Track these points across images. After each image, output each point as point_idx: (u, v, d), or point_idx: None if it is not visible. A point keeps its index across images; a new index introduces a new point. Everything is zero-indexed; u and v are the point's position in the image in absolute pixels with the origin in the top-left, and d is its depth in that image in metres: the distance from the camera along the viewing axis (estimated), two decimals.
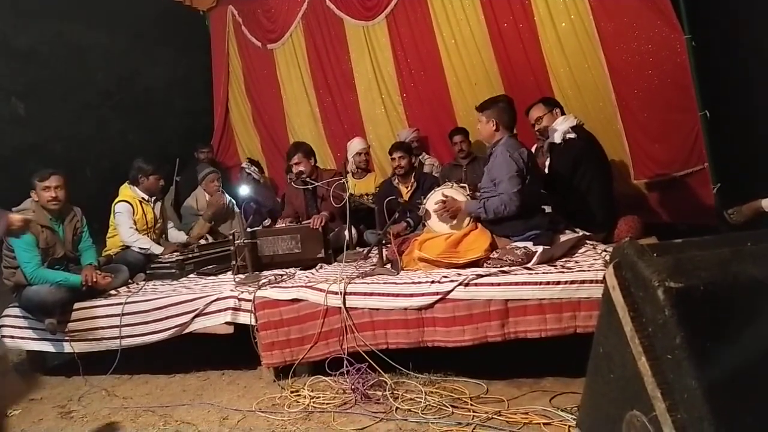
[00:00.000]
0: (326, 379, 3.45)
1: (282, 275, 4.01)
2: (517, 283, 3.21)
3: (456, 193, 3.97)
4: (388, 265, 3.83)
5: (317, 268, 4.20)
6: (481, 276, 3.28)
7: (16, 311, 4.23)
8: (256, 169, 6.67)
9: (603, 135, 4.94)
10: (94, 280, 4.08)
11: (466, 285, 3.25)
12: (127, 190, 4.96)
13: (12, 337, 4.25)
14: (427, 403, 3.02)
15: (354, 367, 3.33)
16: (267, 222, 5.52)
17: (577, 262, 3.40)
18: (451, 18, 5.98)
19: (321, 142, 6.89)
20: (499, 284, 3.23)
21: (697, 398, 1.40)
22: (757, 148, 4.84)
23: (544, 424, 2.70)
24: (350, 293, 3.48)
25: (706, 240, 1.74)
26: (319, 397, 3.25)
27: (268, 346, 3.61)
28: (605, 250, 3.54)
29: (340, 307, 3.45)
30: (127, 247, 4.85)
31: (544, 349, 3.26)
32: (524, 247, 3.53)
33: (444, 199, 3.93)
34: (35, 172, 4.17)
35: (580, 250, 3.68)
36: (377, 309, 3.43)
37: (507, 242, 3.66)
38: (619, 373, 1.68)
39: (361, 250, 4.64)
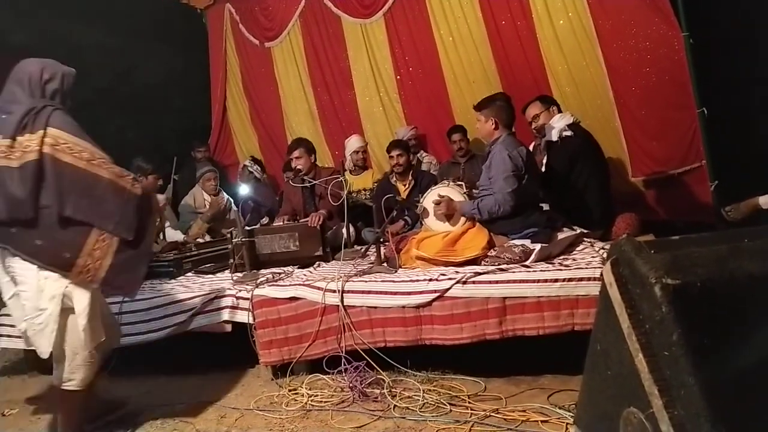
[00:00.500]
0: (324, 377, 3.45)
1: (280, 273, 4.00)
2: (515, 281, 3.21)
3: (453, 191, 3.97)
4: (386, 264, 3.83)
5: (315, 266, 4.20)
6: (479, 274, 3.28)
7: None
8: (259, 168, 6.66)
9: (601, 132, 4.94)
10: None
11: (464, 283, 3.25)
12: None
13: (9, 336, 4.23)
14: (425, 400, 3.02)
15: (352, 365, 3.33)
16: (265, 220, 5.52)
17: (574, 260, 3.40)
18: (449, 16, 5.98)
19: (319, 140, 6.88)
20: (497, 282, 3.23)
21: (695, 395, 1.40)
22: (754, 146, 4.86)
23: (542, 421, 2.70)
24: (348, 291, 3.48)
25: (704, 237, 1.74)
26: (317, 396, 3.25)
27: (266, 344, 3.60)
28: (603, 248, 3.55)
29: (338, 305, 3.45)
30: None
31: (542, 346, 3.25)
32: (522, 245, 3.53)
33: (439, 200, 3.92)
34: None
35: (578, 248, 3.68)
36: (375, 307, 3.42)
37: (505, 240, 3.67)
38: (616, 370, 1.68)
39: (359, 248, 4.64)
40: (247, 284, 3.79)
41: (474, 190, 4.07)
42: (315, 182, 4.79)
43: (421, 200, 4.06)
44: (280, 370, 3.62)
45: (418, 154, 6.09)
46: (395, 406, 3.01)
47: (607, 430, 1.74)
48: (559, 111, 4.52)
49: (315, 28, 6.72)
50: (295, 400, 3.23)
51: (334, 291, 3.47)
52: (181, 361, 4.00)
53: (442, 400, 3.00)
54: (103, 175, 2.68)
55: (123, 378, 3.98)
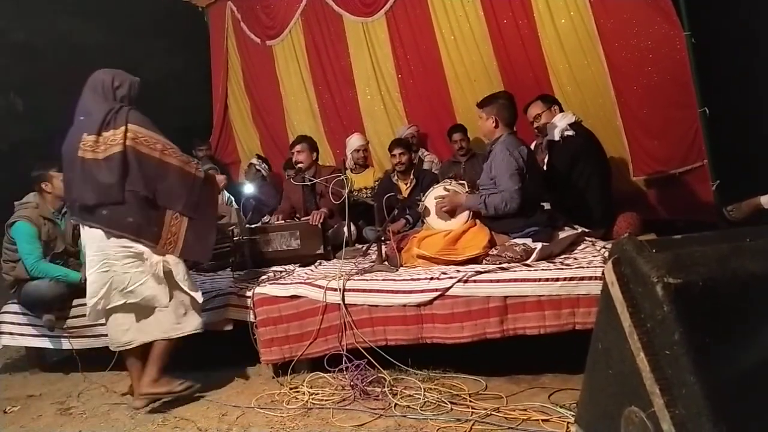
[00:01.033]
0: (325, 375, 3.46)
1: (281, 272, 4.00)
2: (516, 280, 3.21)
3: (455, 189, 3.97)
4: (387, 262, 3.83)
5: (316, 264, 4.20)
6: (480, 273, 3.28)
7: (15, 308, 4.23)
8: (266, 166, 6.66)
9: (602, 132, 4.93)
10: None
11: (465, 282, 3.25)
12: None
13: (11, 333, 4.25)
14: (426, 399, 3.02)
15: (353, 363, 3.34)
16: (267, 219, 5.51)
17: (576, 259, 3.40)
18: (451, 14, 5.97)
19: (320, 138, 6.87)
20: (498, 281, 3.23)
21: (696, 394, 1.40)
22: (756, 145, 4.85)
23: (542, 420, 2.70)
24: (349, 290, 3.48)
25: (705, 236, 1.74)
26: (318, 394, 3.25)
27: (267, 342, 3.61)
28: (604, 247, 3.54)
29: (339, 304, 3.45)
30: None
31: (543, 345, 3.25)
32: (523, 244, 3.52)
33: (444, 194, 3.92)
34: (43, 165, 4.22)
35: (579, 247, 3.68)
36: (376, 305, 3.43)
37: (506, 239, 3.66)
38: (617, 369, 1.68)
39: (360, 246, 4.64)
40: (249, 282, 3.79)
41: (475, 190, 4.06)
42: (316, 180, 4.78)
43: (423, 199, 4.05)
44: (281, 369, 3.62)
45: (420, 153, 6.09)
46: (396, 404, 3.01)
47: (608, 429, 1.74)
48: (561, 110, 4.52)
49: (316, 26, 6.72)
50: (296, 399, 3.23)
51: (336, 289, 3.48)
52: (182, 359, 4.00)
53: (443, 399, 3.00)
54: (173, 162, 3.23)
55: (124, 375, 3.99)
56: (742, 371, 1.44)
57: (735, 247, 1.59)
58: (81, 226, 3.30)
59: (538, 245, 3.49)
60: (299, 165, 5.00)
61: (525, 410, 2.80)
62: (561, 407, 2.77)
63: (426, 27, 6.14)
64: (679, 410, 1.44)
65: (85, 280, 3.79)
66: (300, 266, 4.16)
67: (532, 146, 4.71)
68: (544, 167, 4.40)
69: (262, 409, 3.18)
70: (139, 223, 3.15)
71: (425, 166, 5.93)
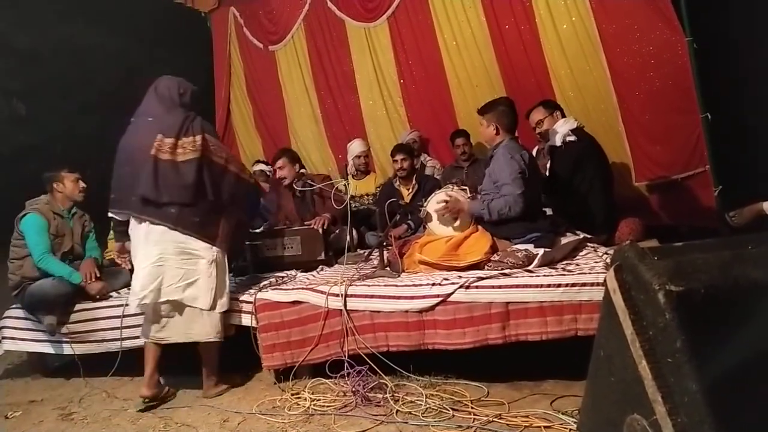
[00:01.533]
0: (327, 381, 3.45)
1: (283, 277, 4.00)
2: (518, 286, 3.20)
3: (457, 195, 3.97)
4: (389, 268, 3.82)
5: (318, 270, 4.19)
6: (482, 278, 3.28)
7: (18, 313, 4.23)
8: (270, 169, 6.63)
9: (604, 137, 4.94)
10: (91, 278, 4.11)
11: (467, 287, 3.24)
12: None
13: (13, 338, 4.26)
14: (428, 405, 3.01)
15: (355, 369, 3.33)
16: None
17: (578, 265, 3.39)
18: (453, 20, 5.98)
19: (322, 144, 6.90)
20: (500, 287, 3.22)
21: (698, 402, 1.39)
22: (758, 151, 4.84)
23: (544, 427, 2.69)
24: (351, 295, 3.48)
25: (707, 243, 1.73)
26: (319, 400, 3.25)
27: (268, 348, 3.61)
28: (606, 253, 3.53)
29: (341, 310, 3.45)
30: None
31: (545, 352, 3.25)
32: (525, 250, 3.52)
33: (447, 199, 3.92)
34: (55, 166, 4.32)
35: (581, 253, 3.67)
36: (378, 311, 3.42)
37: (508, 245, 3.66)
38: (619, 376, 1.68)
39: (362, 252, 4.64)
40: (250, 288, 3.79)
41: (477, 195, 4.06)
42: (318, 186, 4.78)
43: (425, 204, 4.05)
44: (283, 374, 3.62)
45: (422, 158, 6.09)
46: (398, 410, 3.00)
47: None
48: (563, 116, 4.52)
49: (319, 32, 6.73)
50: (298, 404, 3.23)
51: (337, 295, 3.47)
52: (184, 365, 4.00)
53: (444, 405, 2.99)
54: (233, 170, 3.57)
55: (126, 381, 3.99)
56: (745, 379, 1.44)
57: (737, 254, 1.58)
58: (135, 220, 3.46)
59: (540, 251, 3.49)
60: (283, 180, 4.92)
61: (527, 417, 2.80)
62: (563, 414, 2.77)
63: (428, 32, 6.15)
64: (681, 418, 1.43)
65: (84, 281, 4.02)
66: (302, 272, 4.16)
67: (534, 151, 4.73)
68: (546, 173, 4.41)
69: (263, 415, 3.18)
70: (203, 222, 3.45)
71: (427, 171, 5.93)
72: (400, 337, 3.38)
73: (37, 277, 4.08)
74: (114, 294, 4.26)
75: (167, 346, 3.56)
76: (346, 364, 3.39)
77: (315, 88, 6.87)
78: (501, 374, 3.28)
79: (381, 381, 3.29)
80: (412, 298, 3.34)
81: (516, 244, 3.65)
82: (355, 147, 5.96)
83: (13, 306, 4.28)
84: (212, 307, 3.49)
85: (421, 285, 3.38)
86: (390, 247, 4.05)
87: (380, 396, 3.17)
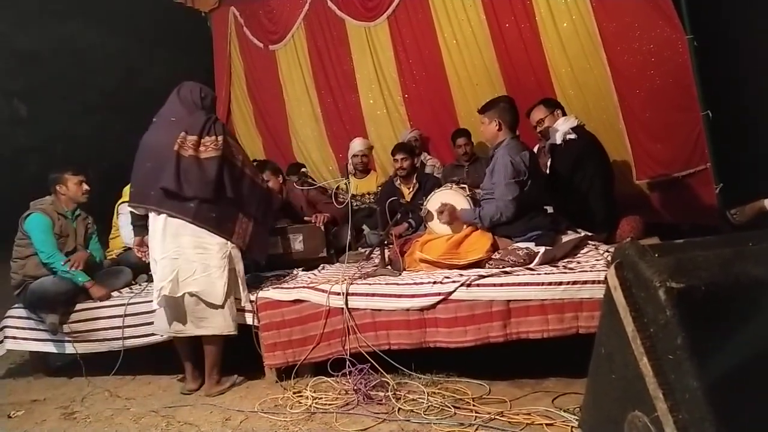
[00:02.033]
0: (328, 379, 3.46)
1: (284, 276, 4.01)
2: (519, 284, 3.21)
3: (456, 194, 3.95)
4: (390, 266, 3.83)
5: (319, 268, 4.20)
6: (483, 277, 3.29)
7: (20, 312, 4.24)
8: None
9: (605, 135, 4.93)
10: (77, 267, 4.12)
11: (468, 286, 3.25)
12: None
13: (15, 338, 4.26)
14: (430, 403, 3.02)
15: (356, 367, 3.34)
16: None
17: (579, 263, 3.40)
18: (453, 18, 5.97)
19: (322, 143, 6.90)
20: (501, 285, 3.23)
21: (699, 399, 1.40)
22: (759, 148, 4.85)
23: (546, 424, 2.70)
24: (352, 294, 3.48)
25: (708, 240, 1.74)
26: (321, 398, 3.25)
27: (270, 346, 3.61)
28: (607, 251, 3.53)
29: (343, 308, 3.46)
30: (130, 248, 4.86)
31: (547, 349, 3.26)
32: (526, 248, 3.52)
33: (441, 208, 3.90)
34: (59, 168, 4.32)
35: (582, 251, 3.67)
36: (379, 310, 3.43)
37: (509, 243, 3.66)
38: (620, 373, 1.68)
39: (363, 250, 4.64)
40: (252, 286, 3.79)
41: (477, 190, 4.06)
42: (320, 184, 4.79)
43: (425, 203, 4.05)
44: (285, 373, 3.62)
45: (422, 157, 6.09)
46: (399, 408, 3.01)
47: None
48: (564, 114, 4.51)
49: (319, 31, 6.72)
50: (300, 403, 3.24)
51: (339, 293, 3.48)
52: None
53: (446, 403, 3.00)
54: (248, 172, 3.74)
55: (128, 380, 4.00)
56: (746, 376, 1.44)
57: (737, 251, 1.59)
58: (153, 214, 3.57)
59: (541, 249, 3.49)
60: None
61: (529, 414, 2.81)
62: (565, 411, 2.78)
63: (428, 31, 6.14)
64: (682, 415, 1.44)
65: (71, 266, 4.10)
66: (303, 270, 4.16)
67: (535, 149, 4.72)
68: (547, 171, 4.40)
69: (265, 413, 3.18)
70: (220, 218, 3.56)
71: (427, 169, 5.93)
72: (401, 335, 3.38)
73: (39, 276, 4.09)
74: (115, 293, 4.26)
75: (198, 339, 3.63)
76: (347, 362, 3.39)
77: (315, 87, 6.86)
78: (502, 372, 3.28)
79: (383, 379, 3.29)
80: (413, 296, 3.35)
81: (517, 242, 3.65)
82: (357, 145, 5.95)
83: (15, 305, 4.29)
84: (224, 302, 3.57)
85: (422, 283, 3.38)
86: (391, 246, 4.05)
87: (382, 394, 3.17)
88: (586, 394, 1.99)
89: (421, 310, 3.32)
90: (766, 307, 1.47)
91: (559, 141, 4.31)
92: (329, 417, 3.04)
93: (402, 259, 3.81)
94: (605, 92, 5.32)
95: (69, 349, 4.14)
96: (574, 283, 3.11)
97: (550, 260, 3.44)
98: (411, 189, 5.28)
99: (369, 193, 5.79)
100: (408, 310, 3.34)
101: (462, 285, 3.25)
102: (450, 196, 3.96)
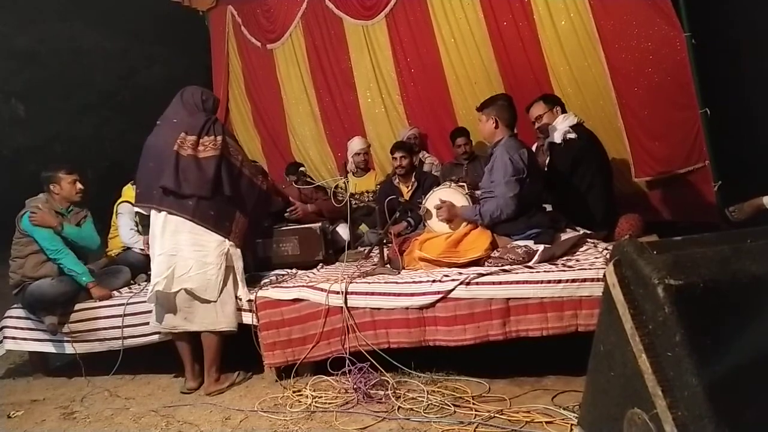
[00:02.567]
0: (328, 378, 3.46)
1: (283, 275, 4.01)
2: (518, 282, 3.21)
3: (455, 193, 3.95)
4: (389, 265, 3.83)
5: (318, 267, 4.20)
6: (483, 275, 3.29)
7: (19, 312, 4.24)
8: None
9: (603, 133, 4.93)
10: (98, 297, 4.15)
11: (468, 284, 3.25)
12: (130, 191, 4.95)
13: (14, 338, 4.27)
14: (429, 402, 3.02)
15: (356, 366, 3.34)
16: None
17: (578, 261, 3.40)
18: (451, 17, 5.97)
19: (321, 142, 6.89)
20: (500, 283, 3.23)
21: (698, 396, 1.40)
22: (758, 146, 4.86)
23: (546, 422, 2.70)
24: (351, 293, 3.49)
25: (706, 237, 1.74)
26: (321, 397, 3.26)
27: (269, 346, 3.61)
28: (606, 249, 3.54)
29: (342, 307, 3.46)
30: (129, 247, 4.86)
31: (546, 347, 3.26)
32: (525, 246, 3.52)
33: (440, 205, 3.90)
34: (52, 167, 4.30)
35: (582, 249, 3.67)
36: (379, 308, 3.43)
37: (508, 241, 3.66)
38: (619, 371, 1.68)
39: (362, 249, 4.64)
40: (251, 286, 3.80)
41: (476, 191, 4.06)
42: (318, 183, 4.78)
43: (424, 201, 4.05)
44: (284, 372, 3.63)
45: (420, 155, 6.09)
46: (399, 407, 3.01)
47: (610, 430, 1.74)
48: (563, 111, 4.50)
49: (317, 29, 6.72)
50: (300, 402, 3.24)
51: (338, 292, 3.48)
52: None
53: (446, 402, 3.00)
54: (246, 172, 3.81)
55: (128, 379, 4.00)
56: (744, 373, 1.44)
57: (736, 248, 1.59)
58: (154, 211, 3.65)
59: (540, 247, 3.49)
60: None
61: (528, 412, 2.81)
62: (564, 409, 2.78)
63: (426, 29, 6.14)
64: (681, 412, 1.44)
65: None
66: (302, 269, 4.16)
67: (534, 148, 4.72)
68: (545, 169, 4.40)
69: (265, 412, 3.19)
70: (218, 217, 3.63)
71: (425, 167, 5.93)
72: (400, 334, 3.38)
73: (38, 277, 4.08)
74: (115, 293, 4.26)
75: (198, 338, 3.65)
76: (347, 361, 3.39)
77: (313, 86, 6.86)
78: (502, 370, 3.29)
79: (382, 378, 3.30)
80: (412, 295, 3.35)
81: (516, 240, 3.65)
82: (355, 144, 5.95)
83: (15, 306, 4.29)
84: (218, 299, 3.62)
85: (421, 282, 3.39)
86: (390, 245, 4.05)
87: (382, 393, 3.18)
88: (585, 391, 1.99)
89: (421, 308, 3.32)
90: (764, 304, 1.47)
91: (558, 140, 4.31)
92: (329, 416, 3.04)
93: (401, 257, 3.81)
94: (603, 90, 5.31)
95: (68, 349, 4.14)
96: (574, 281, 3.11)
97: (549, 258, 3.44)
98: (410, 187, 5.28)
99: (368, 192, 5.79)
100: (407, 308, 3.35)
101: (461, 283, 3.25)
102: (449, 195, 3.95)
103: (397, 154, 5.28)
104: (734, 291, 1.51)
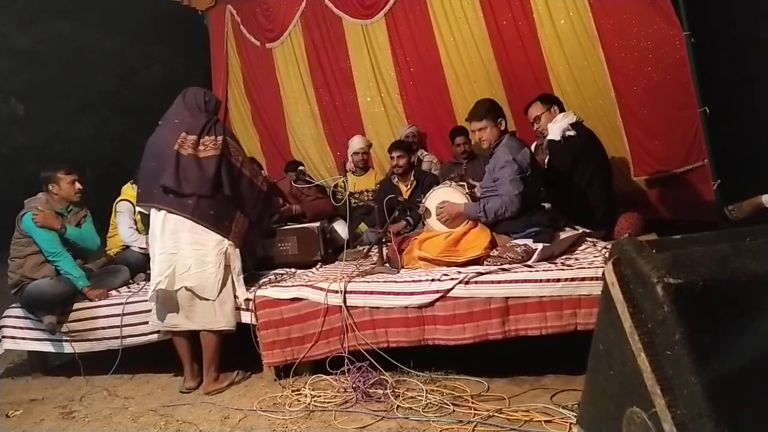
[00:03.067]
0: (327, 377, 3.46)
1: (282, 274, 4.01)
2: (517, 281, 3.21)
3: (455, 192, 3.95)
4: (388, 264, 3.83)
5: (317, 266, 4.19)
6: (482, 274, 3.29)
7: (18, 312, 4.24)
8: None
9: (603, 132, 4.93)
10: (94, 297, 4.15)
11: (467, 283, 3.25)
12: (129, 190, 4.96)
13: (13, 337, 4.26)
14: (428, 401, 3.02)
15: (355, 365, 3.34)
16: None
17: (577, 260, 3.40)
18: (450, 16, 5.96)
19: (320, 141, 6.88)
20: (499, 282, 3.23)
21: (697, 394, 1.40)
22: (757, 145, 4.86)
23: (545, 421, 2.70)
24: (350, 292, 3.48)
25: (705, 236, 1.74)
26: (320, 396, 3.26)
27: (269, 345, 3.61)
28: (605, 247, 3.54)
29: (341, 306, 3.46)
30: (128, 246, 4.86)
31: (545, 346, 3.26)
32: (524, 245, 3.52)
33: (442, 205, 3.89)
34: (51, 167, 4.28)
35: (581, 248, 3.68)
36: (378, 307, 3.43)
37: (507, 240, 3.66)
38: (618, 369, 1.68)
39: (360, 248, 4.64)
40: (250, 285, 3.79)
41: (475, 190, 4.05)
42: (317, 182, 4.78)
43: (423, 200, 4.05)
44: (283, 371, 3.63)
45: (419, 153, 6.08)
46: (398, 406, 3.01)
47: (610, 429, 1.74)
48: (562, 110, 4.50)
49: (316, 29, 6.71)
50: (299, 401, 3.24)
51: (337, 292, 3.48)
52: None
53: (445, 401, 3.00)
54: (246, 173, 3.82)
55: (126, 379, 4.00)
56: (744, 371, 1.44)
57: (735, 246, 1.59)
58: (154, 210, 3.65)
59: (539, 246, 3.49)
60: None
61: (527, 411, 2.81)
62: (563, 408, 2.78)
63: (425, 28, 6.13)
64: (680, 410, 1.44)
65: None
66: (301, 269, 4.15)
67: (533, 146, 4.71)
68: (545, 167, 4.40)
69: (264, 411, 3.18)
70: (218, 216, 3.64)
71: (424, 166, 5.93)
72: (399, 333, 3.38)
73: (37, 278, 4.07)
74: (114, 293, 4.26)
75: (197, 337, 3.65)
76: (346, 360, 3.39)
77: (313, 85, 6.85)
78: (501, 369, 3.29)
79: (381, 377, 3.30)
80: (411, 294, 3.35)
81: (515, 239, 3.65)
82: (355, 143, 5.95)
83: (13, 305, 4.28)
84: (217, 297, 3.63)
85: (420, 281, 3.38)
86: (389, 244, 4.05)
87: (381, 392, 3.18)
88: (585, 390, 1.98)
89: (420, 307, 3.32)
90: (763, 303, 1.47)
91: (557, 137, 4.30)
92: (328, 415, 3.04)
93: (400, 256, 3.81)
94: (603, 89, 5.31)
95: (67, 348, 4.14)
96: (573, 280, 3.11)
97: (548, 257, 3.44)
98: (409, 186, 5.28)
99: (367, 191, 5.79)
100: (406, 307, 3.34)
101: (460, 282, 3.25)
102: (449, 194, 3.95)
103: (395, 154, 5.28)
104: (733, 289, 1.50)
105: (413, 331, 3.35)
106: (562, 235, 3.74)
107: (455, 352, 3.33)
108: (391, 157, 5.33)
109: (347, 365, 3.37)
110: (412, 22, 6.19)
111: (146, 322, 3.85)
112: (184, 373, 3.71)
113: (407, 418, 2.89)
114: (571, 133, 4.25)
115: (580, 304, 3.09)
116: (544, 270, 3.24)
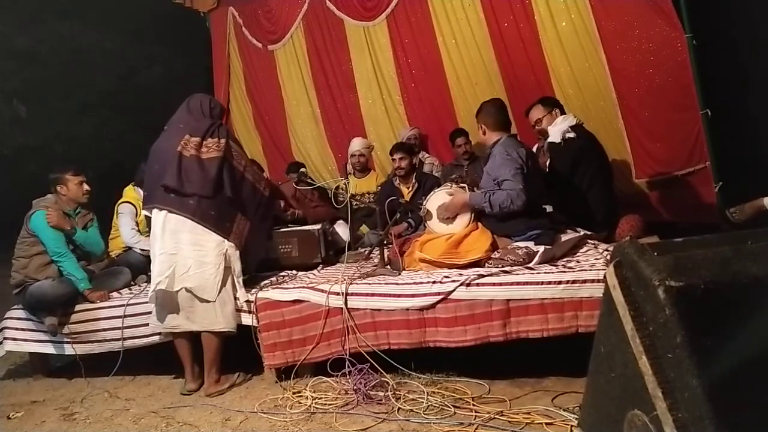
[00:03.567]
0: (328, 379, 3.46)
1: (284, 276, 4.01)
2: (518, 283, 3.20)
3: (456, 194, 3.96)
4: (389, 266, 3.83)
5: (319, 268, 4.19)
6: (483, 276, 3.28)
7: (19, 313, 4.24)
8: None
9: (604, 134, 4.94)
10: (96, 300, 4.15)
11: (468, 285, 3.25)
12: (131, 192, 4.97)
13: (15, 339, 4.26)
14: (429, 403, 3.02)
15: (356, 367, 3.33)
16: None
17: (578, 262, 3.39)
18: (452, 18, 5.97)
19: (322, 143, 6.89)
20: (500, 284, 3.23)
21: (698, 397, 1.40)
22: (758, 147, 4.84)
23: (546, 423, 2.69)
24: (352, 294, 3.48)
25: (707, 238, 1.73)
26: (321, 398, 3.25)
27: (270, 347, 3.61)
28: (607, 250, 3.53)
29: (342, 308, 3.45)
30: (130, 248, 4.86)
31: (546, 348, 3.25)
32: (525, 247, 3.52)
33: (448, 198, 3.90)
34: (60, 168, 4.31)
35: (582, 250, 3.67)
36: (379, 309, 3.43)
37: (508, 242, 3.66)
38: (620, 372, 1.68)
39: (362, 250, 4.64)
40: (251, 287, 3.79)
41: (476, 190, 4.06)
42: (319, 184, 4.79)
43: (425, 202, 4.05)
44: (284, 373, 3.62)
45: (420, 155, 6.09)
46: (399, 408, 3.01)
47: None
48: (562, 112, 4.50)
49: (318, 31, 6.72)
50: (300, 403, 3.23)
51: (338, 293, 3.48)
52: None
53: (446, 403, 3.00)
54: (248, 177, 3.85)
55: (128, 380, 4.00)
56: (745, 374, 1.44)
57: (737, 249, 1.58)
58: (155, 211, 3.66)
59: (541, 248, 3.49)
60: None
61: (528, 414, 2.81)
62: (564, 410, 2.77)
63: (427, 30, 6.14)
64: (681, 413, 1.44)
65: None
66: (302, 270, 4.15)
67: (534, 149, 4.72)
68: (546, 170, 4.40)
69: (265, 413, 3.18)
70: (219, 217, 3.65)
71: (425, 168, 5.93)
72: (401, 335, 3.38)
73: (41, 279, 4.07)
74: (115, 294, 4.26)
75: (198, 339, 3.65)
76: (347, 362, 3.39)
77: (314, 87, 6.86)
78: (502, 371, 3.28)
79: (382, 379, 3.29)
80: (412, 296, 3.35)
81: (516, 241, 3.65)
82: (354, 145, 5.95)
83: (15, 306, 4.28)
84: (217, 299, 3.62)
85: (421, 283, 3.38)
86: (390, 246, 4.05)
87: (382, 394, 3.17)
88: (586, 393, 1.98)
89: (421, 309, 3.31)
90: (764, 305, 1.47)
91: (558, 140, 4.30)
92: (329, 417, 3.04)
93: (401, 258, 3.81)
94: (604, 91, 5.31)
95: (68, 350, 4.14)
96: (574, 282, 3.10)
97: (549, 259, 3.44)
98: (410, 188, 5.28)
99: (369, 193, 5.80)
100: (408, 309, 3.34)
101: (461, 284, 3.25)
102: (449, 196, 3.96)
103: (396, 155, 5.29)
104: (735, 292, 1.50)
105: (414, 333, 3.35)
106: (564, 238, 3.74)
107: (456, 354, 3.32)
108: (393, 159, 5.34)
109: (348, 367, 3.37)
110: (413, 24, 6.20)
111: (147, 324, 3.85)
112: (185, 375, 3.71)
113: (408, 420, 2.88)
114: (571, 135, 4.26)
115: (582, 306, 3.09)
116: (545, 272, 3.24)
